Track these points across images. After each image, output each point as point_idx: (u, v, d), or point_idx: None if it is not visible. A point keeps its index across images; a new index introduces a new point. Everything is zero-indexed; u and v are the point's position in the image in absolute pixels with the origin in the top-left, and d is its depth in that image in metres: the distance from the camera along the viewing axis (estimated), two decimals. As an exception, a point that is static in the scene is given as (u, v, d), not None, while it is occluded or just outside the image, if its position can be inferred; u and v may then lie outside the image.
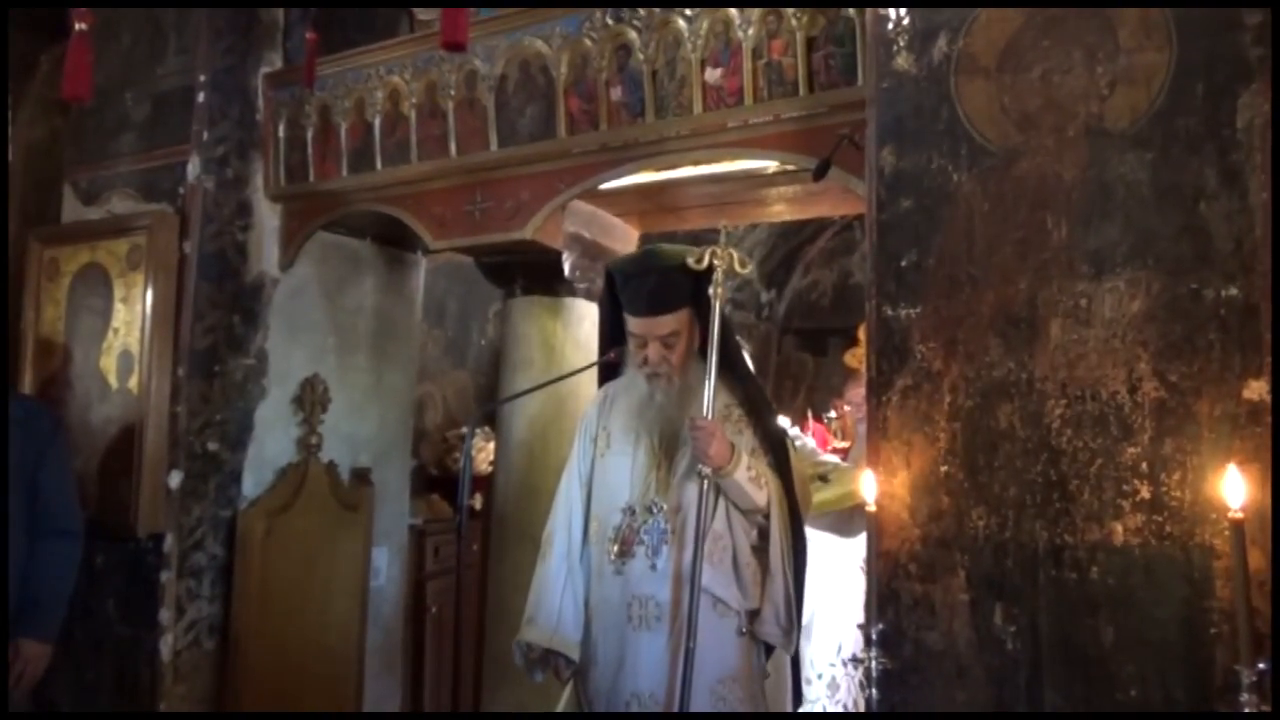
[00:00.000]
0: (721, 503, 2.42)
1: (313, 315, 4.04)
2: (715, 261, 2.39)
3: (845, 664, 3.35)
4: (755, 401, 2.58)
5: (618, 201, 3.75)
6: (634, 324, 2.49)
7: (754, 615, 2.44)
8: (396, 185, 3.63)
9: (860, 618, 2.23)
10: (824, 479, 3.24)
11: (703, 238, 3.78)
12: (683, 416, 2.44)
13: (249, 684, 3.65)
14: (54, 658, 2.96)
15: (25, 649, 2.85)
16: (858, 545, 2.97)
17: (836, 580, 3.30)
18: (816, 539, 3.30)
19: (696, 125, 2.97)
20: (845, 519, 3.24)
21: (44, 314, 3.93)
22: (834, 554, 3.31)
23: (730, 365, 2.55)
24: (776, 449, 2.53)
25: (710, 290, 2.39)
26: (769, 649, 2.54)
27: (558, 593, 2.52)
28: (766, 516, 2.44)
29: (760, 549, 2.46)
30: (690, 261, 2.41)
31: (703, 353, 2.45)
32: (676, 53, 2.98)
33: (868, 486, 2.19)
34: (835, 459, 3.48)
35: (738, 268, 2.42)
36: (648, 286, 2.45)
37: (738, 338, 2.81)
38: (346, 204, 3.80)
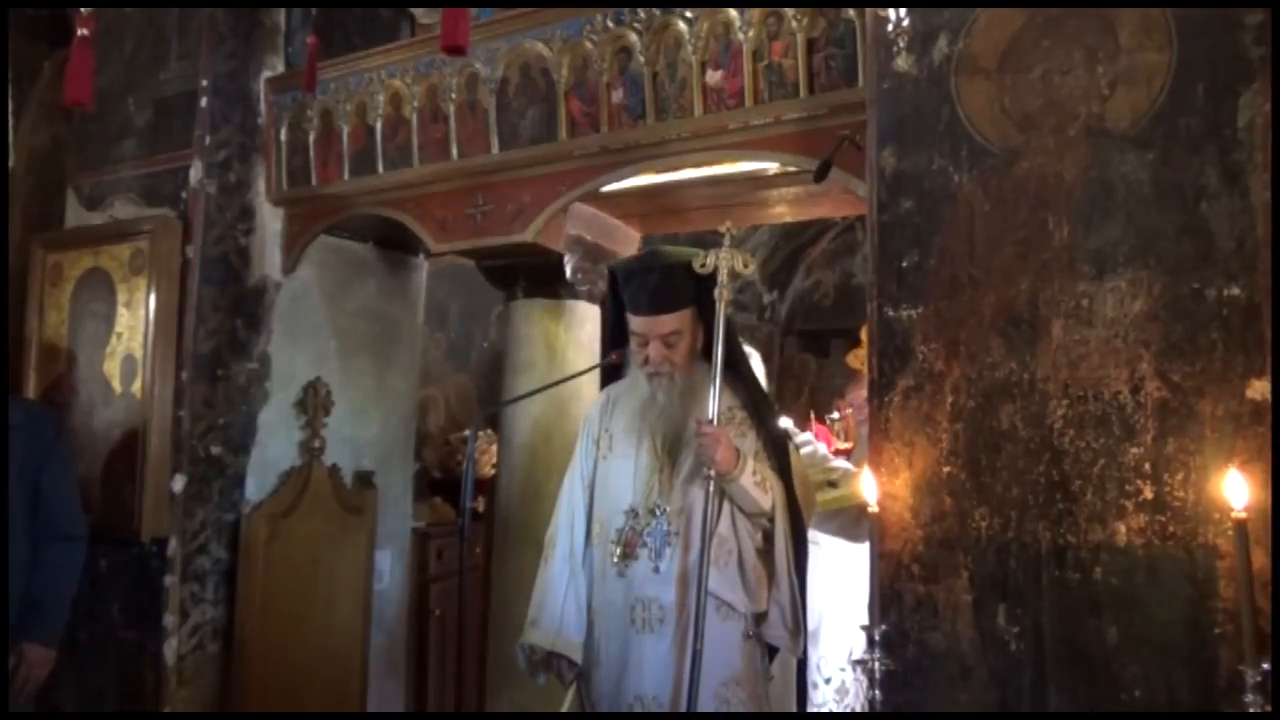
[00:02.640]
0: (726, 506, 2.42)
1: (315, 319, 4.04)
2: (719, 264, 2.39)
3: (854, 666, 3.34)
4: (758, 404, 2.58)
5: (619, 204, 3.75)
6: (636, 323, 2.50)
7: (760, 618, 2.44)
8: (398, 188, 3.63)
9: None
10: (833, 485, 3.23)
11: (705, 239, 3.78)
12: (685, 418, 2.44)
13: (253, 687, 3.66)
14: (58, 662, 2.96)
15: (29, 653, 2.85)
16: (867, 550, 2.96)
17: (846, 584, 3.28)
18: (826, 543, 3.29)
19: (697, 127, 2.98)
20: (854, 523, 3.22)
21: (47, 319, 3.94)
22: (843, 558, 3.30)
23: (733, 367, 2.55)
24: (779, 451, 2.53)
25: (715, 292, 2.39)
26: (772, 651, 2.54)
27: (560, 595, 2.53)
28: (771, 520, 2.44)
29: (765, 552, 2.46)
30: (695, 265, 2.41)
31: (707, 354, 2.45)
32: (677, 55, 2.98)
33: (869, 487, 2.18)
34: (846, 464, 3.48)
35: (740, 268, 2.42)
36: (650, 284, 2.46)
37: (742, 340, 2.80)
38: (348, 208, 3.80)
